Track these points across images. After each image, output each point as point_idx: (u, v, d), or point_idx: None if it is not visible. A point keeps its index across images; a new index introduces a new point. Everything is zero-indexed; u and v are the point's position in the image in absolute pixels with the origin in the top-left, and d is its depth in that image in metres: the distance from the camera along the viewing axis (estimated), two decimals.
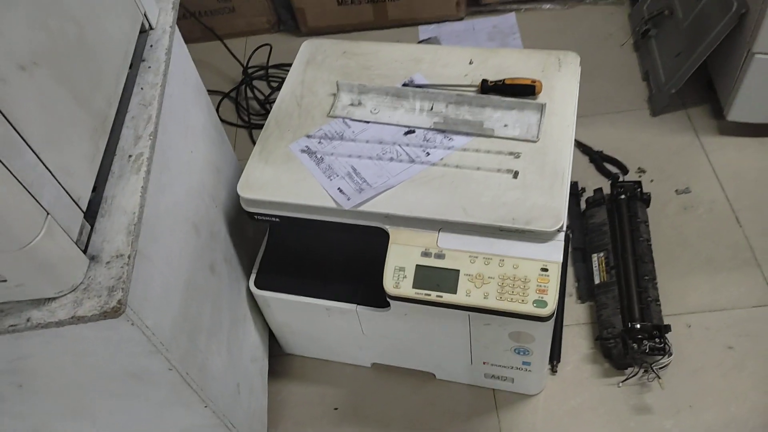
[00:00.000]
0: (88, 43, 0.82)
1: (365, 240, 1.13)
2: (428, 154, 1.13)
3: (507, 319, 1.06)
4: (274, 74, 2.02)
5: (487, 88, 1.19)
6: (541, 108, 1.15)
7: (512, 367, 1.24)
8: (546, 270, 1.03)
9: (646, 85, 1.85)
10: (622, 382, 1.31)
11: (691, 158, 1.67)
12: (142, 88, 0.94)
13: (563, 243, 1.05)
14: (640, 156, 1.68)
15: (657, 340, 1.28)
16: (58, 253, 0.71)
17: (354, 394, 1.38)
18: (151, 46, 1.00)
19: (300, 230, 1.21)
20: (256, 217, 1.14)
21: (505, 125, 1.15)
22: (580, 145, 1.71)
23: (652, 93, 1.81)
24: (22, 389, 0.89)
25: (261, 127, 1.89)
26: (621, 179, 1.57)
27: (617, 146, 1.70)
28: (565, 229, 1.04)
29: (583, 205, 1.58)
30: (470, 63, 1.26)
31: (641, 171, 1.66)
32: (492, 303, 1.03)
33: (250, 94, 1.98)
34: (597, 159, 1.69)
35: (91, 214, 0.79)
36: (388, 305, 1.14)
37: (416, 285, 1.06)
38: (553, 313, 1.02)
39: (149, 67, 0.97)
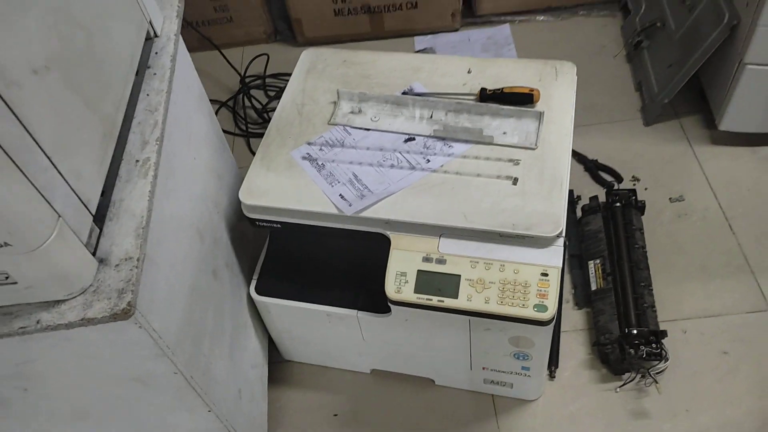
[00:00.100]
0: (97, 49, 0.83)
1: (365, 246, 1.14)
2: (428, 161, 1.14)
3: (507, 323, 1.07)
4: (272, 83, 2.04)
5: (485, 96, 1.21)
6: (540, 116, 1.17)
7: (512, 373, 1.25)
8: (546, 275, 1.04)
9: (639, 95, 1.88)
10: (620, 387, 1.33)
11: (684, 167, 1.69)
12: (147, 95, 0.95)
13: (562, 248, 1.06)
14: (634, 165, 1.71)
15: (654, 345, 1.29)
16: (68, 255, 0.72)
17: (353, 401, 1.39)
18: (156, 53, 1.01)
19: (300, 236, 1.23)
20: (257, 223, 1.15)
21: (504, 133, 1.17)
22: (575, 154, 1.73)
23: (645, 103, 1.83)
24: (27, 393, 0.89)
25: (259, 136, 1.92)
26: (616, 187, 1.59)
27: (611, 155, 1.73)
28: (564, 234, 1.05)
29: (578, 213, 1.60)
30: (468, 72, 1.28)
31: (635, 179, 1.68)
32: (493, 307, 1.04)
33: (247, 103, 1.99)
34: (592, 168, 1.71)
35: (99, 217, 0.80)
36: (388, 311, 1.15)
37: (418, 290, 1.07)
38: (554, 318, 1.04)
39: (154, 73, 0.98)
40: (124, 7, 0.93)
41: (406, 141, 1.18)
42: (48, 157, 0.69)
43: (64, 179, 0.71)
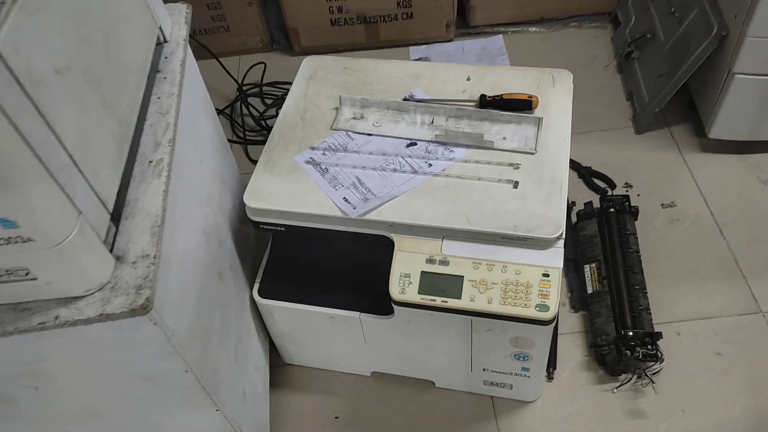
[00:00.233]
0: (113, 52, 0.85)
1: (367, 248, 1.16)
2: (430, 165, 1.17)
3: (509, 323, 1.10)
4: (269, 92, 2.06)
5: (485, 102, 1.24)
6: (538, 122, 1.20)
7: (511, 374, 1.27)
8: (547, 275, 1.07)
9: (630, 104, 1.92)
10: (617, 387, 1.35)
11: (675, 174, 1.73)
12: (159, 98, 0.97)
13: (563, 250, 1.09)
14: (626, 172, 1.75)
15: (649, 347, 1.32)
16: (88, 251, 0.73)
17: (354, 403, 1.40)
18: (166, 57, 1.03)
19: (303, 239, 1.24)
20: (261, 226, 1.17)
21: (504, 138, 1.20)
22: (569, 162, 1.76)
23: (636, 112, 1.88)
24: (38, 392, 0.90)
25: (256, 143, 1.94)
26: (610, 194, 1.63)
27: (604, 162, 1.76)
28: (564, 236, 1.08)
29: (573, 218, 1.63)
30: (468, 79, 1.31)
31: (628, 186, 1.72)
32: (496, 308, 1.06)
33: (245, 111, 2.01)
34: (586, 174, 1.74)
35: (115, 216, 0.82)
36: (391, 312, 1.16)
37: (422, 291, 1.09)
38: (555, 317, 1.06)
39: (165, 77, 1.00)
40: (136, 12, 0.95)
41: (408, 146, 1.21)
42: (70, 155, 0.70)
43: (84, 177, 0.73)
